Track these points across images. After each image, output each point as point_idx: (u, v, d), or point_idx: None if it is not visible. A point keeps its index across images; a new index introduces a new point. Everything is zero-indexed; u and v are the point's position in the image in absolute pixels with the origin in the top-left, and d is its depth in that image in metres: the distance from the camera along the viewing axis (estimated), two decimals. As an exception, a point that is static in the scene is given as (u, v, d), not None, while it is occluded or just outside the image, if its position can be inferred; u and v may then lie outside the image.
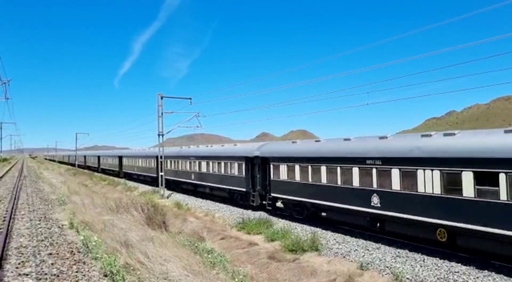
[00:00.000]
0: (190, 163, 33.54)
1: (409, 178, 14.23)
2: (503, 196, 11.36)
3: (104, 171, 69.28)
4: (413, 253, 14.11)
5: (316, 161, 18.96)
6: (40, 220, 16.46)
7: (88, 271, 9.32)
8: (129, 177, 53.56)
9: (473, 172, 12.12)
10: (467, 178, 12.26)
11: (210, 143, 42.26)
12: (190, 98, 34.50)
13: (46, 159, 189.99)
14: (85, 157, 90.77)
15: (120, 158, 58.92)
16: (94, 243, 11.18)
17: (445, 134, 13.86)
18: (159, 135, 34.30)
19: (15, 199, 23.25)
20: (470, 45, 17.07)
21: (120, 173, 58.34)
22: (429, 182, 13.47)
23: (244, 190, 25.08)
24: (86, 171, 75.15)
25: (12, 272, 9.32)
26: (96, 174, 67.16)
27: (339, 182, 17.48)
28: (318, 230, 17.93)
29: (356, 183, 16.52)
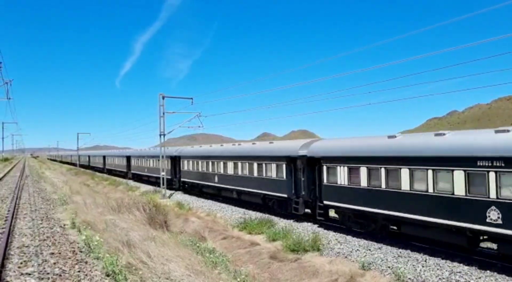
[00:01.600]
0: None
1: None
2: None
3: (138, 178, 48.87)
4: (415, 253, 14.08)
5: None
6: (42, 220, 16.50)
7: (90, 270, 9.34)
8: (199, 190, 32.82)
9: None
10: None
11: (211, 143, 41.87)
12: (192, 99, 34.59)
13: (49, 159, 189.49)
14: (104, 157, 70.02)
15: (175, 159, 37.16)
16: (96, 243, 11.21)
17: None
18: (160, 135, 34.38)
19: (17, 198, 23.29)
20: (471, 45, 17.07)
21: (174, 182, 37.06)
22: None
23: None
24: (88, 170, 71.71)
25: (14, 271, 9.34)
26: (97, 173, 64.70)
27: None
28: (320, 230, 17.92)
29: None
